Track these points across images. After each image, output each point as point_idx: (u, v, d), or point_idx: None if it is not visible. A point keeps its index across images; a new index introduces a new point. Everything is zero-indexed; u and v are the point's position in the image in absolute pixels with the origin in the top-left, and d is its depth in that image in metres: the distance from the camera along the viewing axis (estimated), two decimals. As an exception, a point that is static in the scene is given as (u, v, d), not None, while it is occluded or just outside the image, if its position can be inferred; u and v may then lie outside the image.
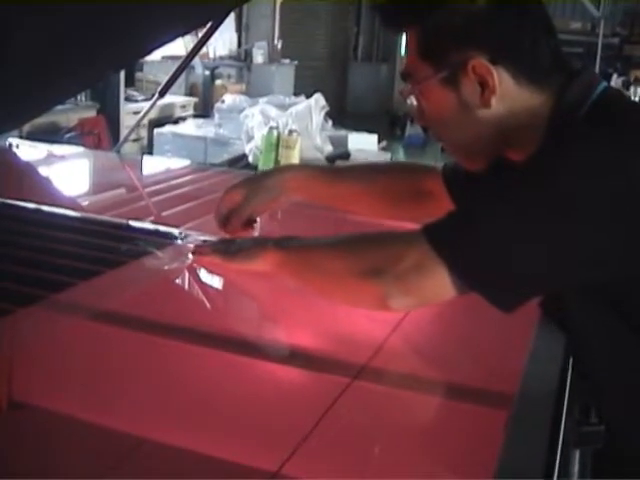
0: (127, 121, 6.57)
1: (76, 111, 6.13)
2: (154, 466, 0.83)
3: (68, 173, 2.47)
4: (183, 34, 3.27)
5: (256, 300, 1.40)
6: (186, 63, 2.63)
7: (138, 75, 7.46)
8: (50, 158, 2.58)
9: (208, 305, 1.38)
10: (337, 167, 1.46)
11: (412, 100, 1.12)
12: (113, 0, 1.63)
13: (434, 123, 1.13)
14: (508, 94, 1.05)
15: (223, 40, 8.57)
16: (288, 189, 1.37)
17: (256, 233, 1.39)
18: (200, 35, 2.87)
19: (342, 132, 4.86)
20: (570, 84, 1.06)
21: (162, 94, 2.54)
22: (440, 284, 0.99)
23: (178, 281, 1.44)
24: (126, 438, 0.86)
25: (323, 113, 4.23)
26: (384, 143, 5.26)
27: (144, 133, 6.44)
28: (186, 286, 1.43)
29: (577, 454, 1.09)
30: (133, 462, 0.84)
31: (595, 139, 0.99)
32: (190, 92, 7.96)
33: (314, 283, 1.16)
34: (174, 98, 7.14)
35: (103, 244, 1.45)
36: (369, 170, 1.49)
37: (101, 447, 0.85)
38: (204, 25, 2.57)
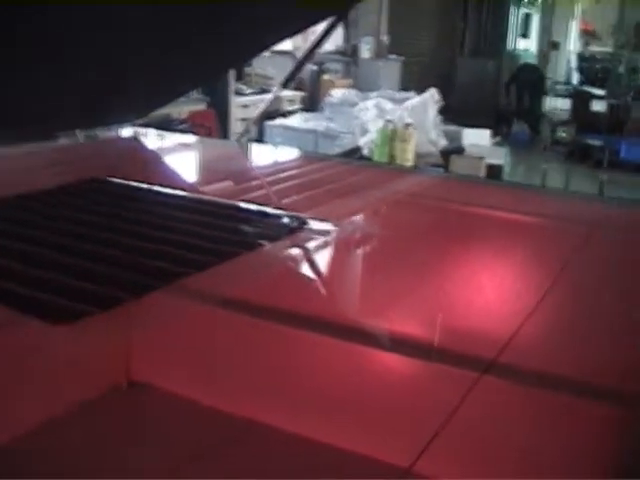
0: (236, 114, 6.70)
1: (187, 104, 6.25)
2: (272, 451, 0.83)
3: (192, 160, 2.54)
4: (304, 29, 3.30)
5: (382, 292, 1.37)
6: (309, 56, 2.68)
7: (247, 69, 7.58)
8: (175, 146, 2.66)
9: (333, 294, 1.38)
10: None
11: None
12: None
13: None
14: None
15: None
16: None
17: None
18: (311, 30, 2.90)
19: (455, 127, 4.81)
20: None
21: (285, 86, 2.60)
22: None
23: (304, 269, 1.46)
24: (239, 421, 0.87)
25: (437, 108, 4.21)
26: (497, 138, 5.19)
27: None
28: (312, 274, 1.44)
29: None
30: (245, 445, 0.84)
31: None
32: (297, 86, 8.05)
33: None
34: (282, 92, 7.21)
35: (232, 227, 1.49)
36: None
37: (215, 427, 0.86)
38: (325, 20, 2.59)
